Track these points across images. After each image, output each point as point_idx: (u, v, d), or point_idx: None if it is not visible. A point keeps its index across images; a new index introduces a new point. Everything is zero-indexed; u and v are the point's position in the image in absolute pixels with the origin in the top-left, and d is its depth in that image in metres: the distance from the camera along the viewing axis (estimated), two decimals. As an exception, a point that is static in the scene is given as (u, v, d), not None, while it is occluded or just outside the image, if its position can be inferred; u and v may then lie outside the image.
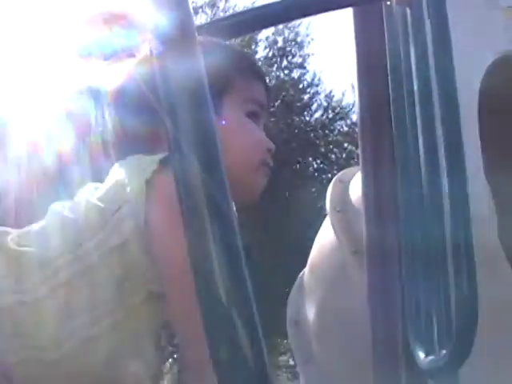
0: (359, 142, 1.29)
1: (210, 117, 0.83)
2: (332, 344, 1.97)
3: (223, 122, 1.43)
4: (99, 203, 1.35)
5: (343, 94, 15.11)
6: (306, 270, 2.14)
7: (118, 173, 1.42)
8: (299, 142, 15.77)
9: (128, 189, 1.34)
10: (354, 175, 1.85)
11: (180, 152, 0.83)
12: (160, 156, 1.36)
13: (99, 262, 1.29)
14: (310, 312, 2.06)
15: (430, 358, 0.95)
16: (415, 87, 1.04)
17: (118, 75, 1.50)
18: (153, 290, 1.31)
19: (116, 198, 1.34)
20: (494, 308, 1.07)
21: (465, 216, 0.84)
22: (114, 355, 1.31)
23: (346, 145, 16.05)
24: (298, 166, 16.44)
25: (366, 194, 1.27)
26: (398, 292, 1.11)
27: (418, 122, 1.01)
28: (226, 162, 1.25)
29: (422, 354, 0.98)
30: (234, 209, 0.93)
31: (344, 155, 16.22)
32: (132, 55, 1.50)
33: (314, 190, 15.79)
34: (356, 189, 1.47)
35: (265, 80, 1.59)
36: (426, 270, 0.99)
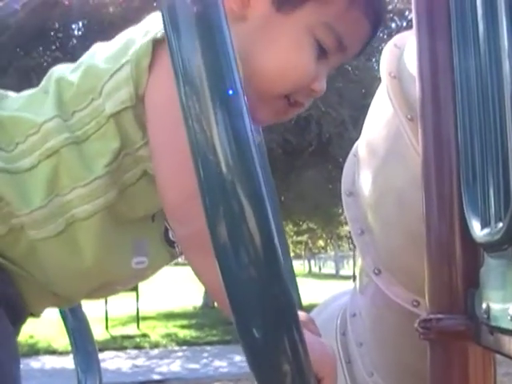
0: (413, 3, 1.18)
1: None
2: (386, 215, 1.92)
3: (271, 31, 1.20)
4: (99, 64, 1.21)
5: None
6: (360, 139, 2.07)
7: (134, 29, 1.24)
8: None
9: (133, 48, 1.16)
10: (409, 39, 1.74)
11: (177, 29, 0.74)
12: None
13: (93, 132, 1.18)
14: (365, 182, 2.01)
15: (486, 230, 0.88)
16: None
17: None
18: (149, 171, 1.19)
19: (118, 57, 1.18)
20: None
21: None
22: (107, 241, 1.20)
23: (406, 13, 15.54)
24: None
25: (420, 58, 1.17)
26: (454, 159, 1.03)
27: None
28: (251, 71, 1.11)
29: (477, 227, 0.91)
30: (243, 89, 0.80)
31: (404, 24, 15.76)
32: None
33: (374, 59, 15.50)
34: (412, 54, 1.37)
35: (373, 20, 1.28)
36: (483, 134, 0.91)
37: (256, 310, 0.74)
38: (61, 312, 1.99)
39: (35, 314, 1.33)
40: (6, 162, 1.17)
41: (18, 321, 1.27)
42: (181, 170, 1.04)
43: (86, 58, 1.27)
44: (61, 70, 1.27)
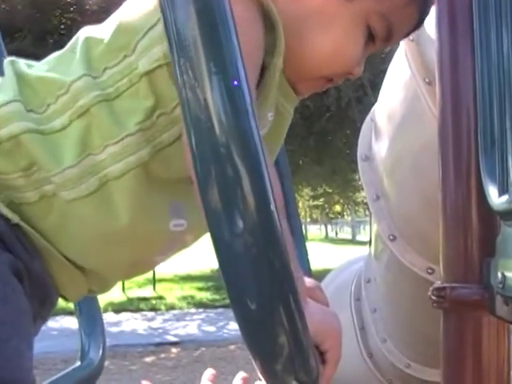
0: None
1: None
2: (402, 179, 1.90)
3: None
4: (133, 19, 1.17)
5: None
6: (377, 104, 2.04)
7: None
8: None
9: None
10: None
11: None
12: None
13: (124, 89, 1.14)
14: (381, 147, 1.98)
15: (503, 198, 0.85)
16: None
17: None
18: None
19: (153, 12, 1.13)
20: None
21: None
22: (142, 201, 1.17)
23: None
24: None
25: (439, 21, 1.14)
26: (472, 123, 1.00)
27: None
28: (301, 47, 1.11)
29: (494, 194, 0.88)
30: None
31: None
32: None
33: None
34: (430, 17, 1.34)
35: (422, 17, 1.24)
36: (502, 99, 0.87)
37: (250, 279, 0.71)
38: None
39: (68, 297, 1.31)
40: (38, 123, 1.15)
41: (45, 299, 1.25)
42: None
43: (119, 13, 1.22)
44: (89, 29, 1.24)
